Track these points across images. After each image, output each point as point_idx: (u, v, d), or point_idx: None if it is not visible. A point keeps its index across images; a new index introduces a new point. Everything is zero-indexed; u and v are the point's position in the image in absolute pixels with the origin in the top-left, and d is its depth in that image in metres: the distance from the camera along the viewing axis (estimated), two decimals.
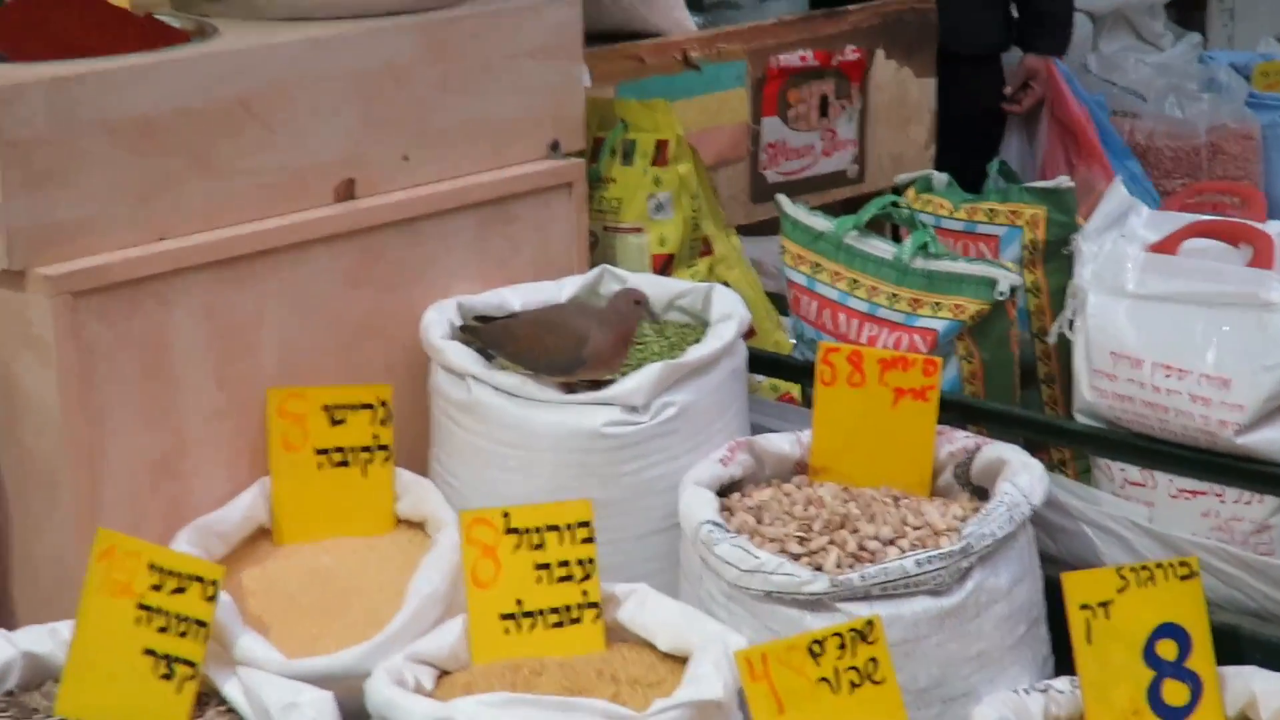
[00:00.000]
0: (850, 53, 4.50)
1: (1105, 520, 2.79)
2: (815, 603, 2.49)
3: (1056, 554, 2.85)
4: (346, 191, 2.92)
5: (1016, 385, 3.01)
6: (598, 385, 2.80)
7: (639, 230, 3.35)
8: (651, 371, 2.77)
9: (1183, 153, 5.57)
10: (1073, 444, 2.93)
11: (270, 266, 2.84)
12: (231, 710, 2.44)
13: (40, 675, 2.50)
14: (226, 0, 3.00)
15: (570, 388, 2.80)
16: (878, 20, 4.60)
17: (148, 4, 3.05)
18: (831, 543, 2.62)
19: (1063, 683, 2.53)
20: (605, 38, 3.98)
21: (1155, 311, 2.68)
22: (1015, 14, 5.23)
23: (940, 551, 2.51)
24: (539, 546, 2.55)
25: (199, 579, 2.42)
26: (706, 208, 3.44)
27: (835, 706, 2.29)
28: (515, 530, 2.54)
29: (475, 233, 3.08)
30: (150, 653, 2.40)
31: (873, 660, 2.31)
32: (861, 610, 2.47)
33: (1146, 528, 2.75)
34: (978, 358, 2.93)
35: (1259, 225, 2.75)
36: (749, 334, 3.32)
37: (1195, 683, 2.48)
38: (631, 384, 2.76)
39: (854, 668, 2.30)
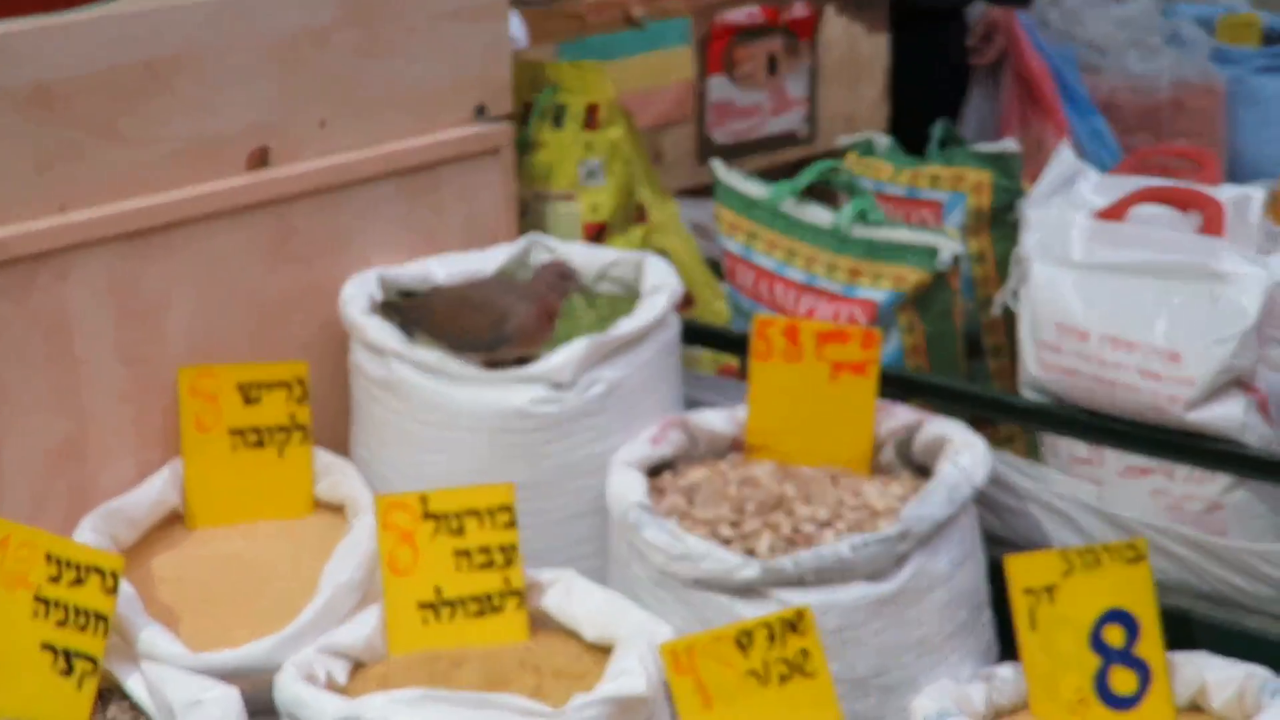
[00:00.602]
0: (799, 9, 4.39)
1: (1052, 499, 2.71)
2: (747, 589, 2.40)
3: (1003, 534, 2.77)
4: (260, 159, 2.81)
5: (962, 357, 2.92)
6: (523, 361, 2.70)
7: (570, 197, 3.25)
8: (578, 346, 2.67)
9: (1145, 109, 5.46)
10: (1017, 420, 2.84)
11: (180, 239, 2.73)
12: (135, 706, 2.35)
13: None
14: None
15: (494, 364, 2.70)
16: None
17: None
18: (765, 525, 2.53)
19: (1007, 670, 2.45)
20: None
21: (1102, 282, 2.58)
22: None
23: (877, 535, 2.42)
24: (459, 532, 2.46)
25: (99, 570, 2.32)
26: (641, 173, 3.34)
27: (764, 700, 2.20)
28: (434, 515, 2.45)
29: (398, 202, 2.98)
30: (49, 647, 2.30)
31: (803, 652, 2.23)
32: (795, 597, 2.39)
33: (1095, 507, 2.67)
34: (920, 330, 2.84)
35: (1210, 191, 2.65)
36: (687, 304, 3.23)
37: (1144, 670, 2.39)
38: (557, 360, 2.66)
39: (784, 660, 2.22)
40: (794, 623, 2.23)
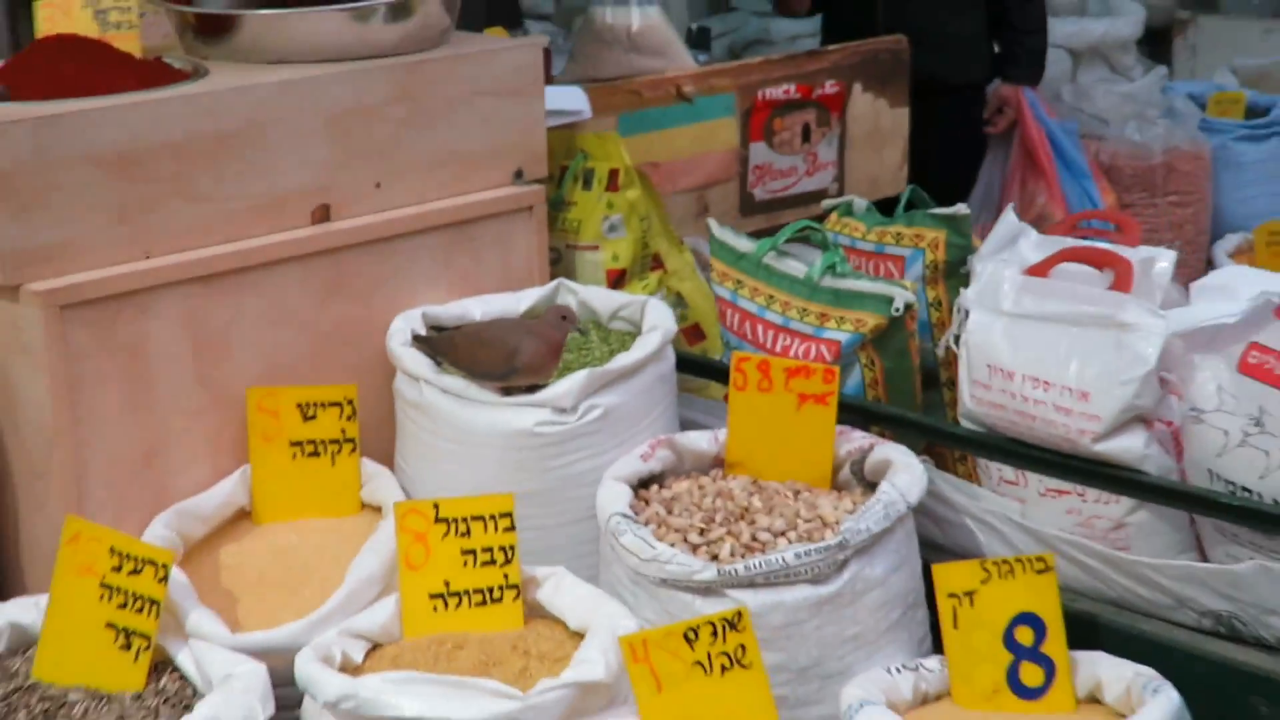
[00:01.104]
0: (830, 86, 4.34)
1: (984, 514, 2.64)
2: (706, 589, 2.36)
3: (942, 542, 2.71)
4: (322, 215, 2.80)
5: (918, 390, 2.85)
6: (533, 389, 2.67)
7: (595, 248, 3.22)
8: (579, 378, 2.63)
9: (1141, 170, 5.41)
10: (953, 445, 2.77)
11: (248, 281, 2.72)
12: (183, 678, 2.34)
13: (24, 642, 2.41)
14: (221, 45, 2.87)
15: (508, 390, 2.67)
16: (856, 58, 4.43)
17: (160, 48, 2.94)
18: (729, 533, 2.48)
19: (933, 662, 2.40)
20: None
21: (1026, 329, 2.50)
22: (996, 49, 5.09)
23: (818, 545, 2.36)
24: (465, 534, 2.43)
25: (152, 562, 2.33)
26: (659, 227, 3.30)
27: (708, 687, 2.15)
28: (444, 520, 2.42)
29: (441, 250, 2.95)
30: (111, 626, 2.32)
31: (741, 647, 2.17)
32: (747, 597, 2.35)
33: (1019, 522, 2.60)
34: (879, 365, 2.77)
35: (1121, 251, 2.57)
36: (699, 337, 3.18)
37: (1049, 666, 2.33)
38: (561, 389, 2.62)
39: (725, 653, 2.17)
40: (734, 622, 2.18)
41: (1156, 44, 6.76)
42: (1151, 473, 2.43)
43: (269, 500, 2.75)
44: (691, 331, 3.25)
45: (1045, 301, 2.50)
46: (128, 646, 2.31)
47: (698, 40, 5.07)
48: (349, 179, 2.83)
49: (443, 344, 2.73)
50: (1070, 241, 2.66)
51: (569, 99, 3.85)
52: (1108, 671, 2.32)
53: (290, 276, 2.77)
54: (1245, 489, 2.35)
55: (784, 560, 2.34)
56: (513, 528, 2.45)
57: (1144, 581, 2.48)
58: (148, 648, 2.32)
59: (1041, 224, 5.23)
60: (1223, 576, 2.41)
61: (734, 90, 4.16)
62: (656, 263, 3.23)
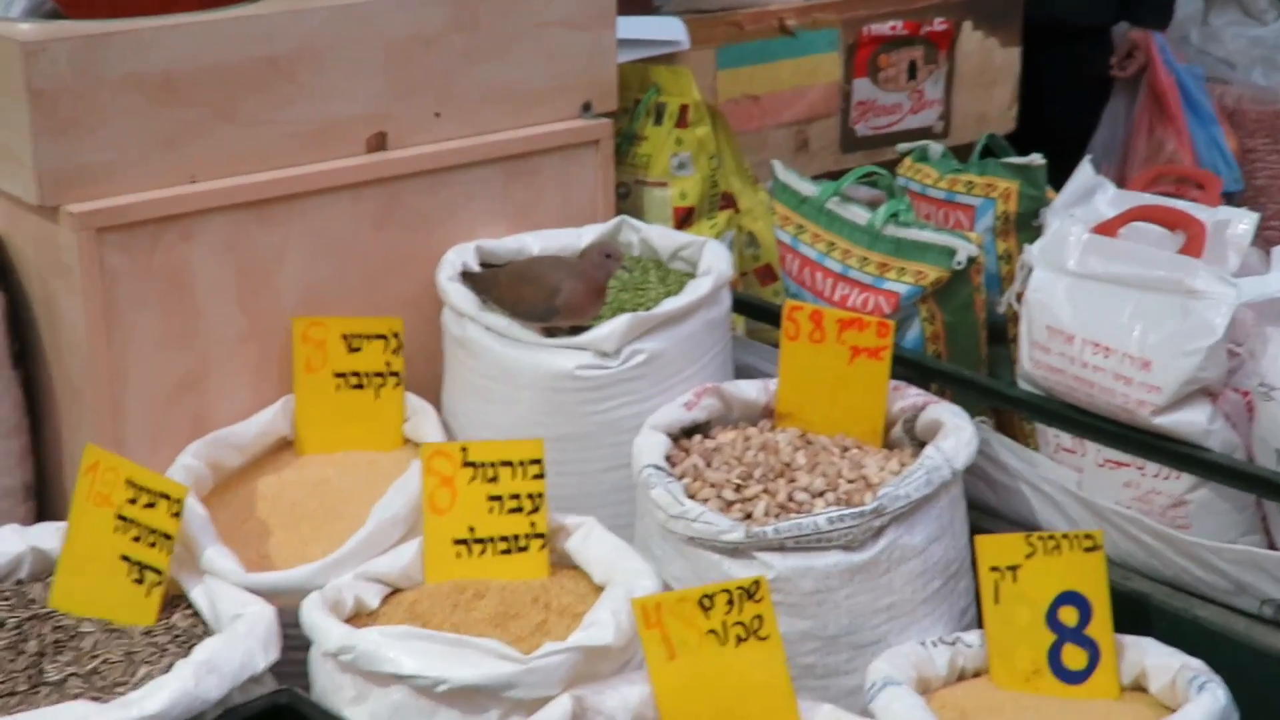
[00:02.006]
0: (938, 24, 4.06)
1: (1040, 482, 2.38)
2: (733, 550, 2.13)
3: (997, 507, 2.46)
4: (377, 144, 2.59)
5: (982, 346, 2.59)
6: (576, 330, 2.45)
7: (664, 185, 2.97)
8: (621, 321, 2.42)
9: (1265, 116, 5.13)
10: (1008, 406, 2.50)
11: (297, 208, 2.53)
12: (196, 614, 2.18)
13: (46, 569, 2.27)
14: None
15: (550, 331, 2.46)
16: None
17: None
18: (765, 491, 2.25)
19: (972, 636, 2.17)
20: None
21: (1090, 290, 2.23)
22: None
23: (853, 510, 2.13)
24: (493, 479, 2.24)
25: (167, 496, 2.16)
26: (732, 164, 3.05)
27: (722, 657, 1.95)
28: (471, 463, 2.24)
29: (500, 183, 2.73)
30: (125, 558, 2.17)
31: (758, 618, 1.96)
32: (776, 560, 2.13)
33: (1075, 493, 2.34)
34: (940, 320, 2.52)
35: (1196, 212, 2.29)
36: (770, 277, 2.95)
37: (1094, 649, 2.09)
38: (604, 331, 2.41)
39: (741, 623, 1.95)
40: (751, 591, 1.96)
41: None
42: (1215, 449, 2.15)
43: (311, 431, 2.58)
44: (763, 272, 3.01)
45: (1111, 262, 2.22)
46: (140, 580, 2.16)
47: None
48: (407, 108, 2.62)
49: (487, 280, 2.53)
50: (1145, 198, 2.39)
51: (667, 29, 3.61)
52: (1155, 660, 2.07)
53: (341, 205, 2.57)
54: None
55: (816, 524, 2.11)
56: (542, 475, 2.25)
57: (1202, 564, 2.22)
58: (160, 583, 2.16)
59: (1167, 172, 4.97)
60: None
61: (838, 25, 3.91)
62: (727, 201, 2.99)
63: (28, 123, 2.28)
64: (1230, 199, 4.84)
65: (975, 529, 2.40)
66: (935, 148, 2.79)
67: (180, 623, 2.17)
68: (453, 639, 1.98)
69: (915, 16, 4.04)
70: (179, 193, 2.41)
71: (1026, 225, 2.62)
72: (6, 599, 2.21)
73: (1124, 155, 4.77)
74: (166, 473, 2.38)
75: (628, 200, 3.00)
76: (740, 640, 1.97)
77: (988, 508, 2.45)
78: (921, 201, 2.65)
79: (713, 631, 1.96)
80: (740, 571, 2.13)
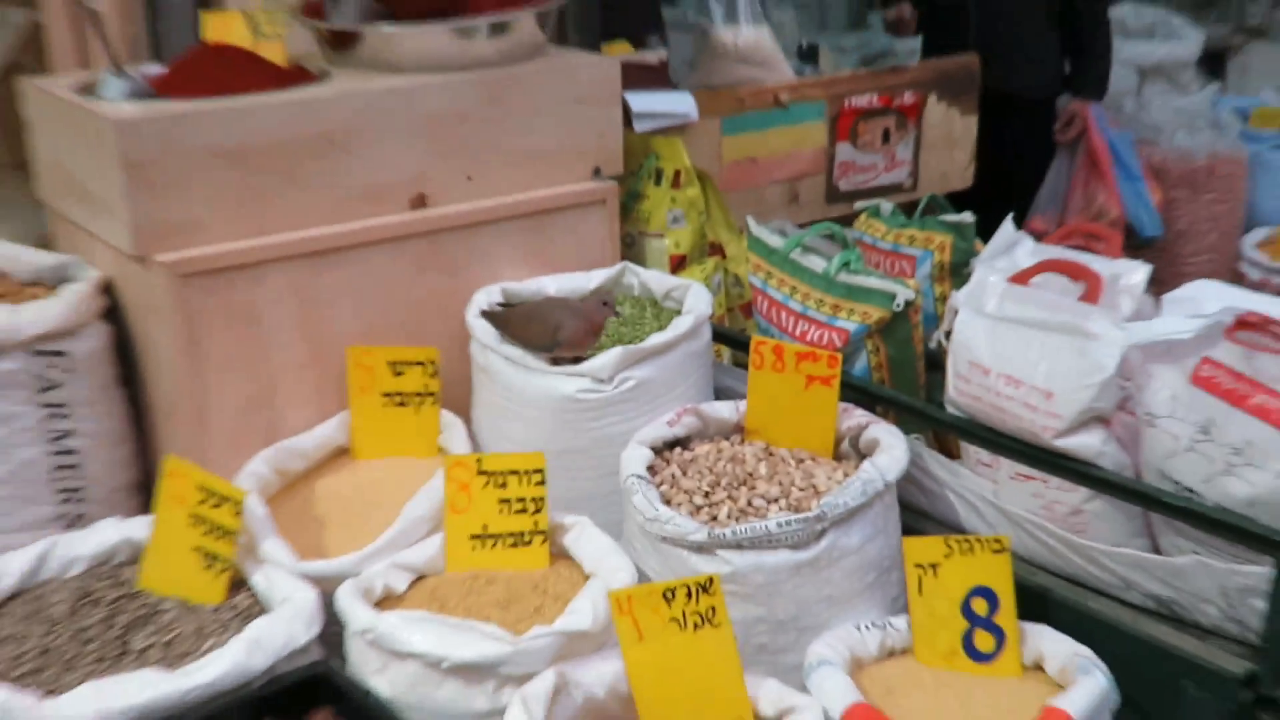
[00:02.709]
0: (908, 97, 3.98)
1: (963, 490, 2.30)
2: (699, 548, 2.06)
3: (928, 510, 2.38)
4: (419, 203, 2.53)
5: (921, 374, 2.50)
6: (578, 360, 2.39)
7: (661, 235, 2.91)
8: (615, 353, 2.35)
9: (1186, 172, 5.01)
10: (937, 428, 2.40)
11: (350, 257, 2.47)
12: (255, 596, 2.14)
13: (137, 555, 2.21)
14: (348, 55, 2.61)
15: (556, 361, 2.39)
16: (932, 74, 4.06)
17: (303, 56, 2.70)
18: (729, 498, 2.18)
19: (901, 621, 2.10)
20: None
21: (1005, 331, 2.15)
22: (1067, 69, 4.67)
23: (799, 516, 2.05)
24: (503, 485, 2.18)
25: (230, 499, 2.12)
26: (720, 218, 2.98)
27: (682, 640, 1.89)
28: (485, 472, 2.18)
29: (523, 235, 2.66)
30: (198, 549, 2.13)
31: (712, 608, 1.90)
32: (734, 557, 2.06)
33: (991, 501, 2.25)
34: (884, 352, 2.43)
35: (1095, 265, 2.19)
36: (751, 314, 2.87)
37: (1000, 635, 2.02)
38: (599, 362, 2.34)
39: (698, 612, 1.89)
40: (706, 586, 1.90)
41: (1214, 64, 6.20)
42: (1107, 467, 2.06)
43: (363, 441, 2.53)
44: (746, 308, 2.93)
45: (1023, 307, 2.14)
46: (210, 567, 2.12)
47: (807, 55, 4.68)
48: (444, 172, 2.55)
49: (503, 318, 2.46)
50: (1056, 252, 2.29)
51: (680, 103, 3.56)
52: (1050, 646, 1.99)
53: (388, 254, 2.51)
54: (1190, 490, 1.98)
55: (768, 528, 2.04)
56: (543, 482, 2.19)
57: (1095, 563, 2.13)
58: (225, 569, 2.12)
59: (1100, 218, 4.86)
60: (1164, 567, 2.05)
61: (824, 99, 3.84)
62: (715, 249, 2.92)
63: (123, 187, 2.25)
64: (1151, 242, 4.76)
65: (909, 529, 2.32)
66: (886, 206, 2.71)
67: (242, 602, 2.13)
68: (457, 623, 1.93)
69: (888, 91, 3.97)
70: (251, 244, 2.37)
71: (959, 272, 2.54)
72: (104, 580, 2.19)
73: (1064, 206, 4.66)
74: (239, 475, 2.36)
75: (633, 248, 2.93)
76: (697, 627, 1.90)
77: (921, 511, 2.37)
78: (872, 252, 2.57)
79: (674, 619, 1.90)
80: (704, 566, 2.07)
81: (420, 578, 2.17)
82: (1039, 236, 4.78)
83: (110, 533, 2.25)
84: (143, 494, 2.53)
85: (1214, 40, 6.16)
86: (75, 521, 2.36)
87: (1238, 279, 4.79)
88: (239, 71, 2.50)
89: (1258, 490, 1.88)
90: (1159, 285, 5.47)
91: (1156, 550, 2.10)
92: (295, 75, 2.56)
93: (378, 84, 2.48)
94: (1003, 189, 4.59)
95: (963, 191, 4.38)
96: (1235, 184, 5.09)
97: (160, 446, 2.49)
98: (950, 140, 4.22)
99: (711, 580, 1.91)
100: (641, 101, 3.50)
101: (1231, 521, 1.89)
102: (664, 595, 1.90)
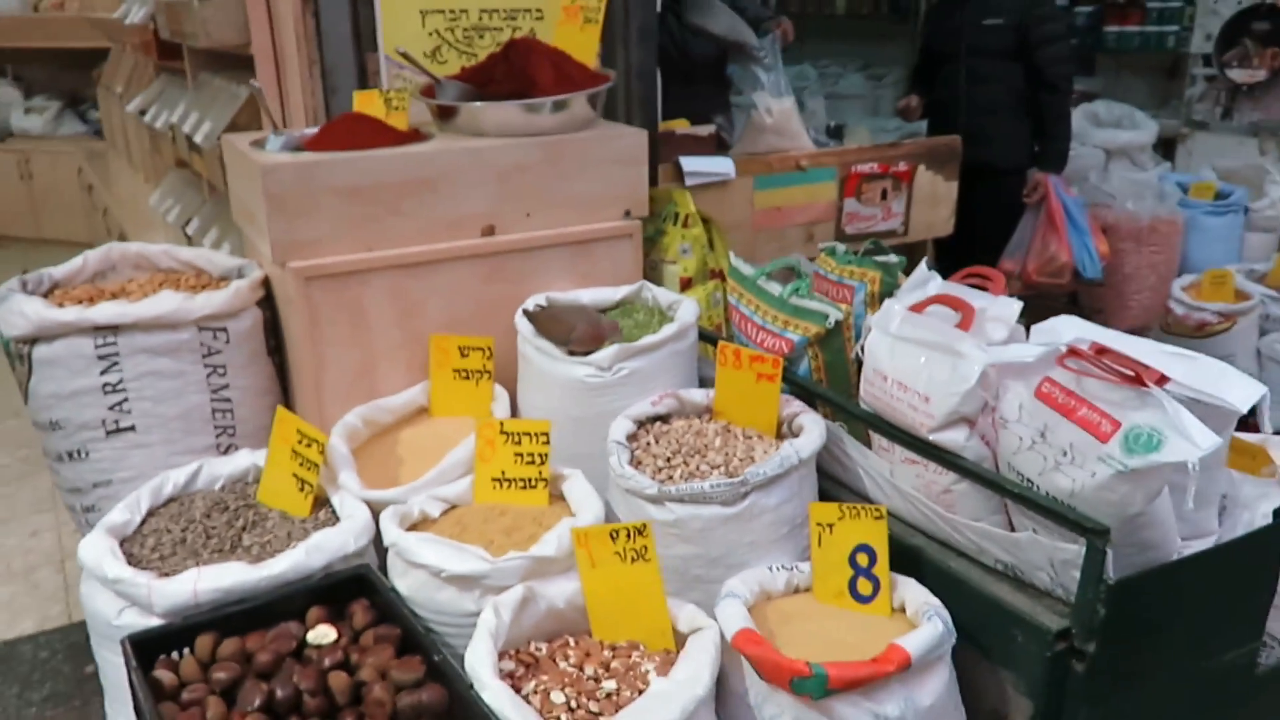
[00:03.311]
0: (902, 166, 3.77)
1: (869, 469, 2.11)
2: (652, 500, 1.94)
3: (845, 481, 2.19)
4: (489, 231, 2.44)
5: (852, 376, 2.29)
6: (588, 353, 2.27)
7: (674, 262, 2.76)
8: (613, 349, 2.23)
9: (1132, 230, 4.64)
10: (852, 419, 2.18)
11: (434, 270, 2.39)
12: (333, 512, 2.09)
13: (259, 477, 2.19)
14: (449, 123, 2.53)
15: (572, 353, 2.28)
16: (922, 149, 3.84)
17: (422, 123, 2.65)
18: (684, 463, 2.04)
19: (806, 566, 1.93)
20: None
21: (900, 348, 1.96)
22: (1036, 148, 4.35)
23: (727, 480, 1.91)
24: (518, 443, 2.08)
25: (316, 441, 2.07)
26: (723, 250, 2.82)
27: (622, 570, 1.79)
28: (505, 433, 2.09)
29: (568, 258, 2.55)
30: (294, 476, 2.09)
31: (645, 547, 1.78)
32: (677, 508, 1.93)
33: (887, 479, 2.07)
34: (822, 359, 2.26)
35: (973, 300, 1.97)
36: None
37: (876, 583, 1.85)
38: (601, 355, 2.23)
39: (634, 550, 1.78)
40: (640, 530, 1.78)
41: (1168, 149, 5.74)
42: (970, 458, 1.86)
43: (438, 403, 2.45)
44: None
45: (915, 329, 1.95)
46: (302, 489, 2.08)
47: (835, 133, 4.48)
48: (509, 210, 2.46)
49: (535, 318, 2.35)
50: (952, 288, 2.08)
51: (721, 165, 3.42)
52: (910, 594, 1.82)
53: (464, 268, 2.43)
54: (1029, 480, 1.78)
55: (703, 489, 1.91)
56: (547, 442, 2.08)
57: (959, 532, 1.93)
58: (312, 491, 2.07)
59: (1051, 264, 4.54)
60: (1007, 540, 1.84)
61: (836, 165, 3.65)
62: (715, 274, 2.76)
63: (267, 213, 2.22)
64: (1095, 283, 4.42)
65: (828, 495, 2.16)
66: (840, 247, 2.51)
67: (323, 517, 2.08)
68: (456, 545, 1.84)
69: (887, 161, 3.75)
70: (360, 258, 2.31)
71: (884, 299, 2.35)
72: (235, 493, 2.17)
73: (1027, 252, 4.35)
74: (336, 424, 2.31)
75: (655, 271, 2.79)
76: (634, 560, 1.78)
77: (840, 481, 2.19)
78: (824, 281, 2.39)
79: (617, 553, 1.79)
80: (656, 514, 1.94)
81: (453, 507, 2.10)
82: (1008, 275, 4.57)
83: (244, 459, 2.23)
84: None
85: (1167, 130, 5.72)
86: (227, 450, 2.36)
87: (1167, 313, 4.44)
88: (367, 133, 2.44)
89: (1076, 485, 1.68)
90: (1105, 316, 5.09)
91: (1010, 526, 1.91)
92: (409, 136, 2.49)
93: (460, 145, 2.40)
94: (981, 239, 4.34)
95: (945, 238, 4.14)
96: (1172, 240, 4.69)
97: (294, 400, 2.47)
98: (935, 199, 3.97)
99: (645, 526, 1.78)
100: (691, 163, 3.37)
101: (1055, 509, 1.69)
102: (610, 534, 1.79)
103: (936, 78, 4.52)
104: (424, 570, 1.83)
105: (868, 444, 2.13)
